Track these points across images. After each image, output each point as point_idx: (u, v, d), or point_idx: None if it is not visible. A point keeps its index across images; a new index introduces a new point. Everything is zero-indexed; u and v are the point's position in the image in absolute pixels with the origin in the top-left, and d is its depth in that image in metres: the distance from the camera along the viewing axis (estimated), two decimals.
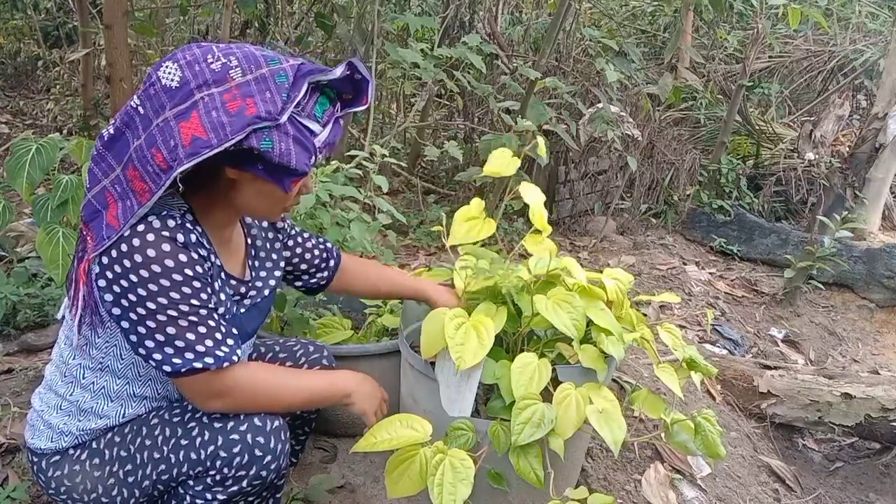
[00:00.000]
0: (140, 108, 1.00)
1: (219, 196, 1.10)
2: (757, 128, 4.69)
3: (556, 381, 1.28)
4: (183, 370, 1.04)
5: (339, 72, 1.02)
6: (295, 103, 0.98)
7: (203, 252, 1.07)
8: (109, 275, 1.00)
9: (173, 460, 1.12)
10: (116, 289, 1.00)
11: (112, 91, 3.15)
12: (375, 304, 1.90)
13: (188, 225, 1.06)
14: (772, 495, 1.96)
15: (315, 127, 1.02)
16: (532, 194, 1.47)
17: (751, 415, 2.30)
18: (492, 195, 3.21)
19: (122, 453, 1.14)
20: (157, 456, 1.13)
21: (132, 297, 1.00)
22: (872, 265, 3.54)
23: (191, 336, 1.04)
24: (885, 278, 3.50)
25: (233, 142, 0.95)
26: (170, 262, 1.00)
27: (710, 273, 3.66)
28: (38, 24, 5.44)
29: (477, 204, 1.46)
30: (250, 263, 1.26)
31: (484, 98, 3.30)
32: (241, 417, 1.12)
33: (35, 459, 1.18)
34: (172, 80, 0.97)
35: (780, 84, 5.46)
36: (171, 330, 1.02)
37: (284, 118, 0.97)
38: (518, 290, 1.36)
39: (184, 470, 1.12)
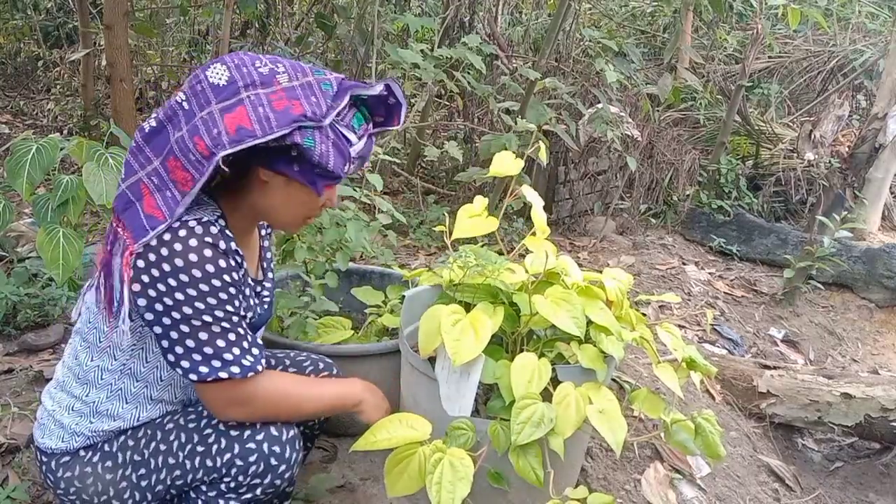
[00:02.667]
0: (185, 104, 1.02)
1: (245, 200, 1.11)
2: (756, 128, 4.70)
3: (555, 381, 1.29)
4: (209, 378, 1.05)
5: (378, 88, 1.07)
6: (337, 111, 1.03)
7: (238, 259, 1.09)
8: (145, 278, 1.00)
9: (188, 466, 1.12)
10: (152, 293, 1.01)
11: (112, 91, 3.16)
12: (375, 304, 1.90)
13: (227, 231, 1.07)
14: (771, 495, 1.96)
15: (352, 137, 1.06)
16: (533, 197, 1.49)
17: (750, 414, 2.30)
18: (492, 195, 3.21)
19: (136, 457, 1.14)
20: (171, 461, 1.13)
21: (168, 301, 1.01)
22: (872, 265, 3.54)
23: (220, 343, 1.05)
24: (885, 278, 3.50)
25: (277, 135, 0.98)
26: (210, 267, 1.01)
27: (709, 273, 3.66)
28: (38, 24, 5.44)
29: (480, 202, 1.47)
30: (263, 265, 1.28)
31: (484, 98, 3.30)
32: (258, 426, 1.13)
33: (44, 459, 1.18)
34: (220, 78, 1.00)
35: (780, 84, 5.46)
36: (202, 335, 1.03)
37: (328, 121, 1.01)
38: (510, 286, 1.37)
39: (198, 476, 1.12)
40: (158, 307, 1.02)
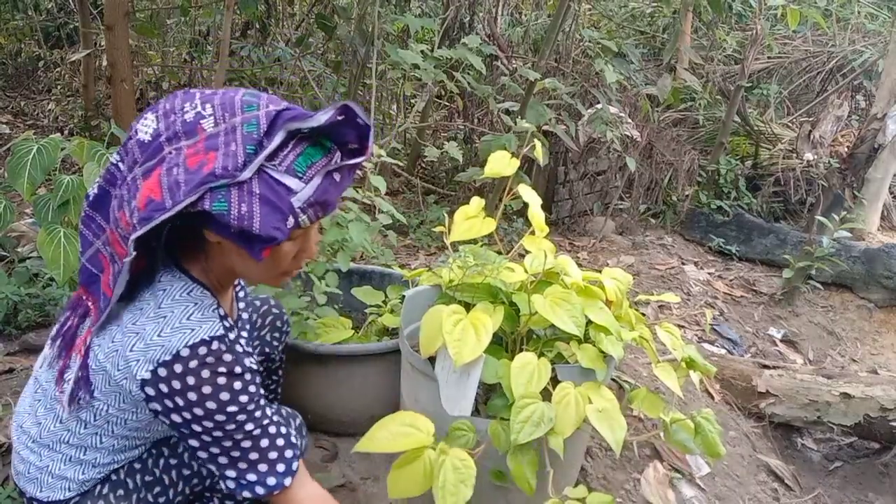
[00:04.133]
0: (120, 164, 0.92)
1: (214, 263, 1.00)
2: (756, 128, 4.70)
3: (555, 381, 1.29)
4: (241, 497, 1.03)
5: (323, 118, 0.86)
6: (266, 155, 0.85)
7: (252, 364, 1.02)
8: (159, 406, 0.95)
9: (204, 472, 1.12)
10: (166, 419, 0.96)
11: (113, 92, 3.16)
12: (376, 304, 1.90)
13: (236, 346, 0.99)
14: (770, 494, 1.97)
15: (293, 183, 0.86)
16: (530, 196, 1.49)
17: (750, 414, 2.30)
18: (491, 195, 3.21)
19: (148, 478, 1.12)
20: (186, 472, 1.12)
21: (185, 430, 0.97)
22: (871, 265, 3.54)
23: (242, 465, 1.00)
24: (884, 278, 3.50)
25: (184, 203, 0.82)
26: (225, 395, 0.95)
27: (708, 273, 3.67)
28: (39, 24, 5.45)
29: (476, 203, 1.48)
30: (235, 294, 1.21)
31: (484, 99, 3.31)
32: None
33: None
34: (147, 132, 0.88)
35: (779, 85, 5.46)
36: (222, 460, 1.00)
37: (247, 174, 0.84)
38: (509, 285, 1.37)
39: (215, 479, 1.13)
40: (177, 431, 0.98)
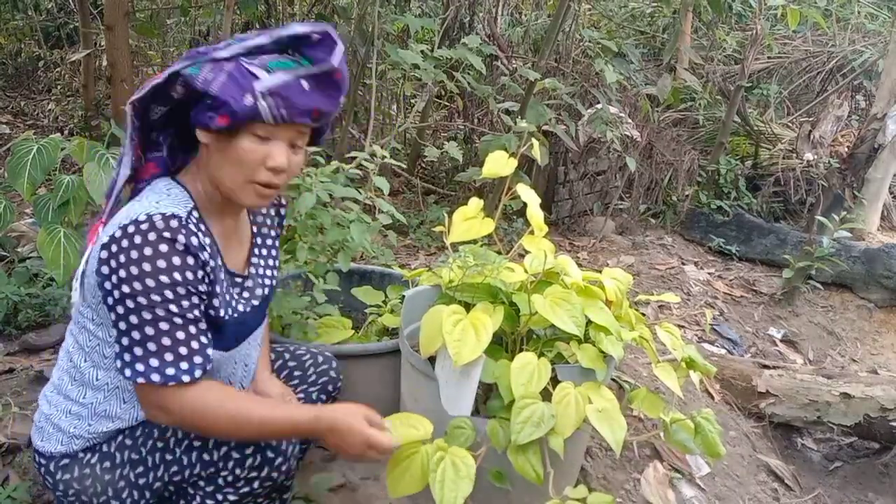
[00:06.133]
0: None
1: (204, 174, 1.10)
2: (756, 128, 4.70)
3: (555, 381, 1.29)
4: (131, 380, 1.03)
5: (300, 29, 1.02)
6: (245, 48, 1.01)
7: (204, 255, 1.05)
8: (105, 269, 1.00)
9: (185, 461, 1.12)
10: (107, 285, 1.00)
11: (113, 92, 3.16)
12: (376, 304, 1.91)
13: (192, 226, 1.04)
14: (770, 494, 1.97)
15: (260, 73, 1.00)
16: (528, 195, 1.49)
17: (750, 414, 2.31)
18: (491, 195, 3.21)
19: (134, 456, 1.14)
20: (168, 458, 1.13)
21: (116, 293, 1.00)
22: (871, 265, 3.54)
23: (151, 347, 1.01)
24: (884, 278, 3.50)
25: (168, 72, 1.01)
26: (161, 263, 0.99)
27: (708, 273, 3.67)
28: (38, 24, 5.45)
29: (475, 204, 1.48)
30: (254, 260, 1.25)
31: (484, 99, 3.31)
32: None
33: (43, 462, 1.17)
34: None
35: (779, 85, 5.46)
36: (135, 334, 1.01)
37: (222, 54, 1.01)
38: (509, 285, 1.37)
39: (196, 471, 1.12)
40: (109, 300, 1.01)
